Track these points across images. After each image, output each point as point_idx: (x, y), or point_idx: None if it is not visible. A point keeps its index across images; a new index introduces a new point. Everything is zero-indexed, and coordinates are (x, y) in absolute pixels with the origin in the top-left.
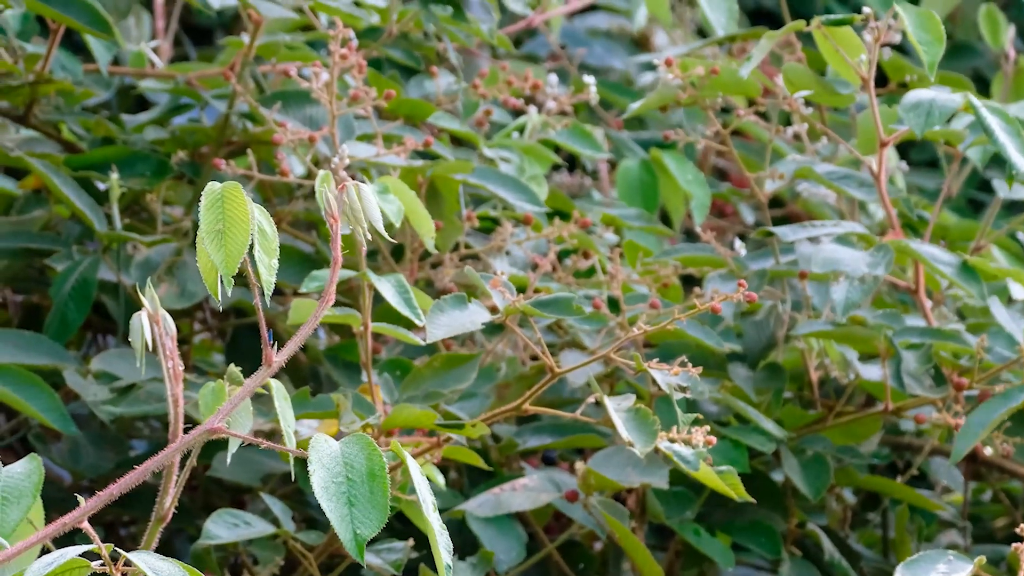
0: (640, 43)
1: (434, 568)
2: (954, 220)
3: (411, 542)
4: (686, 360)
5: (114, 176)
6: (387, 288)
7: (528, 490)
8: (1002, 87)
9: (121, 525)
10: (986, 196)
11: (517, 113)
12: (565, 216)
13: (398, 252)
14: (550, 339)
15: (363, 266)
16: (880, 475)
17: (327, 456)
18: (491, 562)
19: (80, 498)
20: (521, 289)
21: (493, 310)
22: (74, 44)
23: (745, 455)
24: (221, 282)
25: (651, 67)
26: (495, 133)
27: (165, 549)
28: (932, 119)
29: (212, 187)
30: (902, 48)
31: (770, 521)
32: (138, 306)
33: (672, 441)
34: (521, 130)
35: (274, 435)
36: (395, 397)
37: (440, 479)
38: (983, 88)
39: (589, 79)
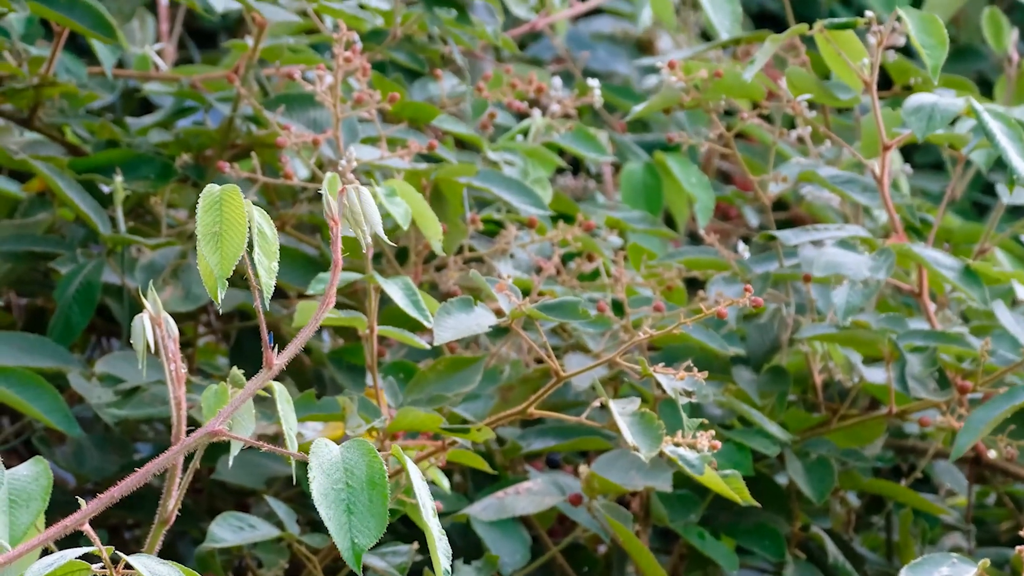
0: (644, 46)
1: None
2: (958, 223)
3: (416, 545)
4: (692, 365)
5: (118, 179)
6: (395, 290)
7: (532, 493)
8: (1005, 90)
9: (126, 528)
10: (990, 199)
11: (521, 116)
12: (569, 219)
13: (402, 255)
14: (554, 342)
15: (369, 269)
16: (884, 478)
17: (327, 462)
18: (496, 565)
19: (81, 501)
20: (525, 292)
21: (498, 313)
22: (78, 47)
23: (749, 458)
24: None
25: (655, 70)
26: (499, 136)
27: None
28: (934, 123)
29: (210, 190)
30: (907, 51)
31: (774, 524)
32: (142, 309)
33: (677, 445)
34: (525, 133)
35: (278, 438)
36: (399, 400)
37: (445, 482)
38: (986, 91)
39: (593, 82)
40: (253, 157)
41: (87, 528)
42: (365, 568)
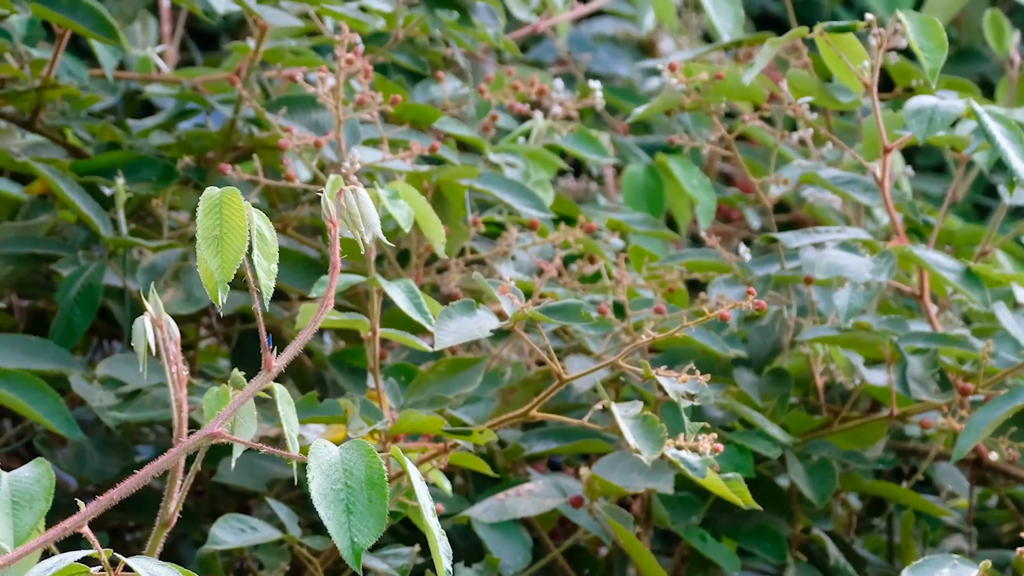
0: (646, 49)
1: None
2: (960, 225)
3: (417, 548)
4: (694, 368)
5: (120, 181)
6: (398, 293)
7: (533, 495)
8: (1007, 92)
9: (127, 530)
10: (992, 201)
11: (523, 118)
12: (571, 221)
13: (403, 257)
14: (555, 344)
15: (372, 271)
16: (885, 480)
17: (326, 462)
18: (497, 568)
19: (80, 503)
20: (527, 294)
21: (500, 315)
22: (80, 49)
23: (750, 460)
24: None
25: (656, 72)
26: (501, 138)
27: (170, 554)
28: (934, 125)
29: (210, 192)
30: (908, 53)
31: (775, 526)
32: (143, 311)
33: (679, 448)
34: (527, 135)
35: (280, 440)
36: (401, 402)
37: (446, 485)
38: (988, 93)
39: (595, 84)
40: (255, 159)
41: (86, 530)
42: (366, 570)
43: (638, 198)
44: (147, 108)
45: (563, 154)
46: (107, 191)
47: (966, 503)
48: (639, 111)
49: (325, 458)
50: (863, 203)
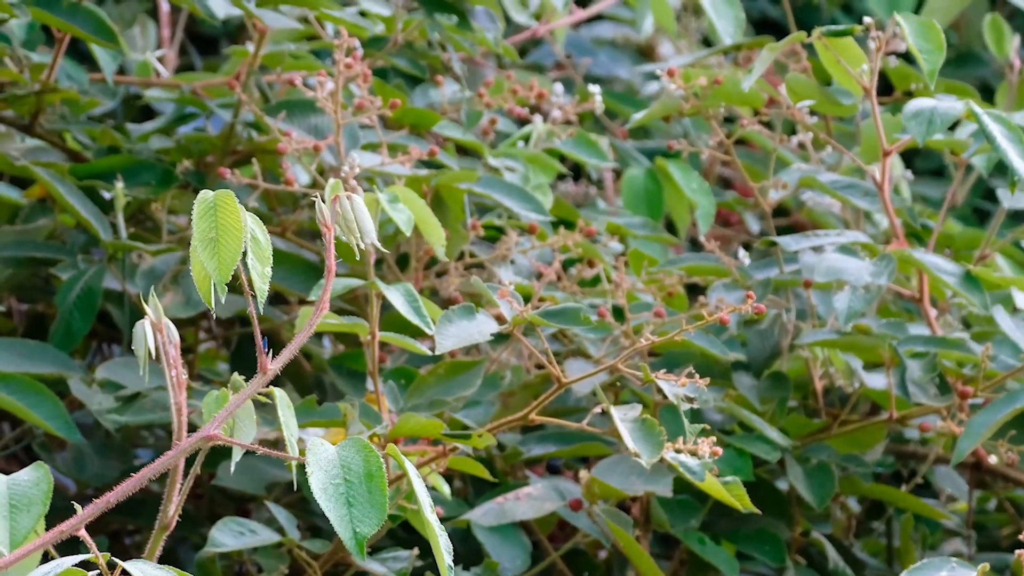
0: (645, 53)
1: (438, 574)
2: (959, 229)
3: (416, 551)
4: (693, 371)
5: (119, 185)
6: (396, 297)
7: (532, 499)
8: (1007, 96)
9: (126, 534)
10: (991, 205)
11: (522, 122)
12: (570, 225)
13: (403, 261)
14: (555, 347)
15: (371, 275)
16: (884, 484)
17: (324, 459)
18: (496, 571)
19: (77, 507)
20: (526, 298)
21: (499, 319)
22: (79, 53)
23: (749, 463)
24: (217, 290)
25: (656, 77)
26: (500, 142)
27: (169, 557)
28: (933, 127)
29: (205, 196)
30: (907, 56)
31: (775, 529)
32: (143, 315)
33: (678, 451)
34: (526, 139)
35: (279, 444)
36: (400, 405)
37: (445, 488)
38: (988, 97)
39: (594, 88)
40: (254, 163)
41: (83, 533)
42: (365, 573)
43: (637, 202)
44: (146, 112)
45: (562, 158)
46: (106, 195)
47: (965, 506)
48: (638, 116)
49: (323, 455)
50: (862, 207)
